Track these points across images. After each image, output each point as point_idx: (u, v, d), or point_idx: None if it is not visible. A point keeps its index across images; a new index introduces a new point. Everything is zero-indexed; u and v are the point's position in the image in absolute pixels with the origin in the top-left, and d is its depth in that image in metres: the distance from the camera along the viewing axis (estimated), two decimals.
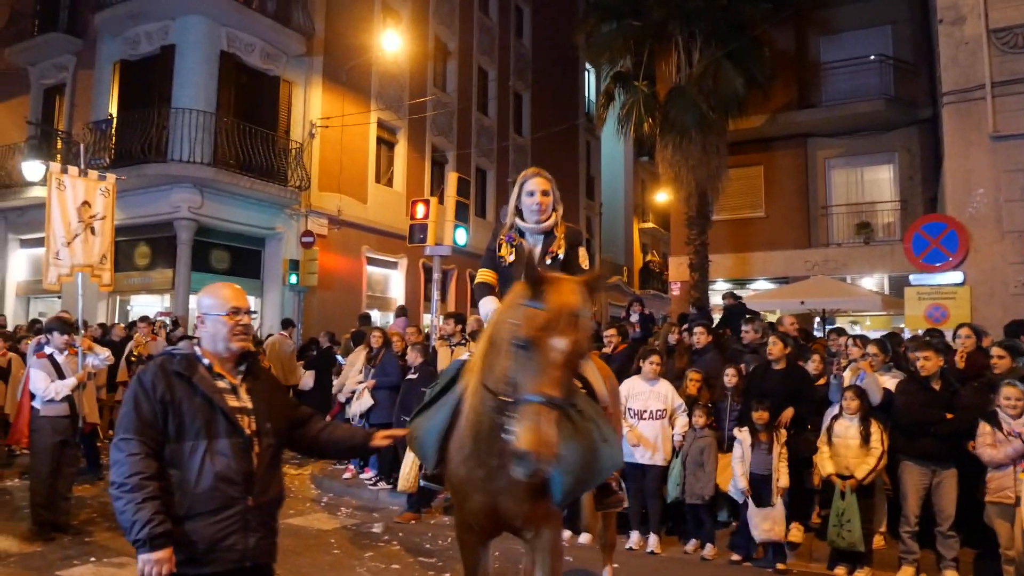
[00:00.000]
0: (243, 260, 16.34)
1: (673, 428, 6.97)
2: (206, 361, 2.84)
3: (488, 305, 3.78)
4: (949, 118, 10.92)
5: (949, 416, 5.95)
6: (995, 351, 6.41)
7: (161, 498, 2.55)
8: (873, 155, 17.20)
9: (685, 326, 9.48)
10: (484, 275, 3.92)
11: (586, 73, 30.38)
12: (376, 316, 17.29)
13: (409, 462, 7.76)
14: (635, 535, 6.99)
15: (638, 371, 7.17)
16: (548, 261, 3.81)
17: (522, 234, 3.89)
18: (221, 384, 2.82)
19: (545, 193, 3.85)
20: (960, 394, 6.12)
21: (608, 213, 31.53)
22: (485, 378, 3.02)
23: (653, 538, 6.90)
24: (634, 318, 11.89)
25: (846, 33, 17.25)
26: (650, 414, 6.91)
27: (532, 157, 25.08)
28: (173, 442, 2.65)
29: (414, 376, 8.30)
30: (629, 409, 6.90)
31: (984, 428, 5.58)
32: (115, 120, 15.39)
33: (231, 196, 15.30)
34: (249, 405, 2.84)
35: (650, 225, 34.04)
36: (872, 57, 16.88)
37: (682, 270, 16.60)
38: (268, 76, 16.40)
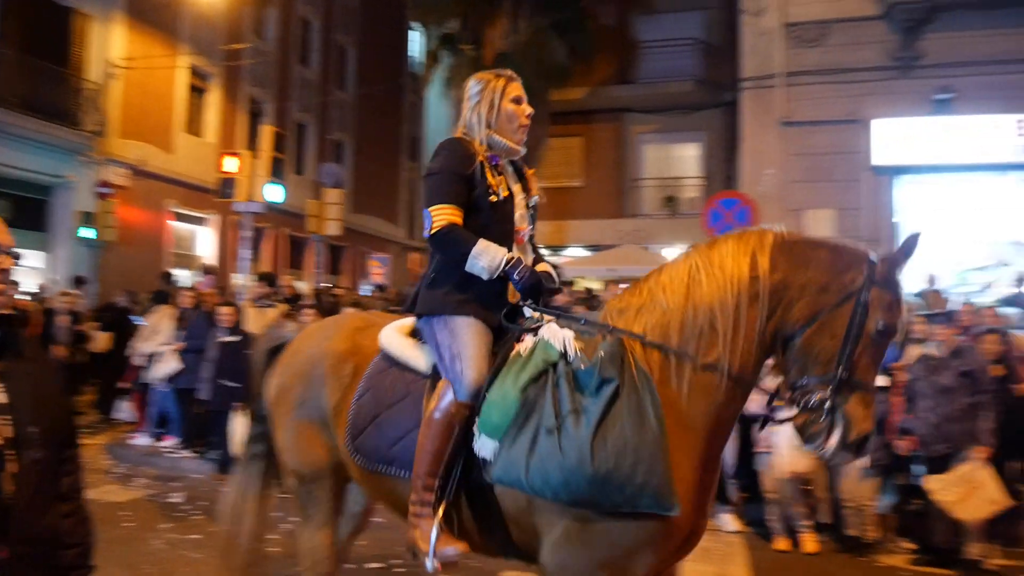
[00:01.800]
0: (26, 211, 14.79)
1: None
2: None
3: (495, 255, 2.65)
4: (746, 102, 11.87)
5: None
6: None
7: None
8: (682, 133, 18.34)
9: None
10: (452, 213, 2.70)
11: (413, 32, 29.93)
12: (183, 275, 16.35)
13: (241, 427, 7.46)
14: None
15: None
16: (531, 207, 3.03)
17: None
18: None
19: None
20: None
21: None
22: (716, 359, 2.45)
23: None
24: None
25: (663, 14, 18.16)
26: None
27: (356, 114, 24.52)
28: None
29: (235, 339, 7.95)
30: None
31: None
32: None
33: (10, 138, 13.77)
34: (3, 400, 1.87)
35: None
36: (685, 40, 17.89)
37: None
38: (58, 6, 14.82)
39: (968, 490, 5.39)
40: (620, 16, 18.40)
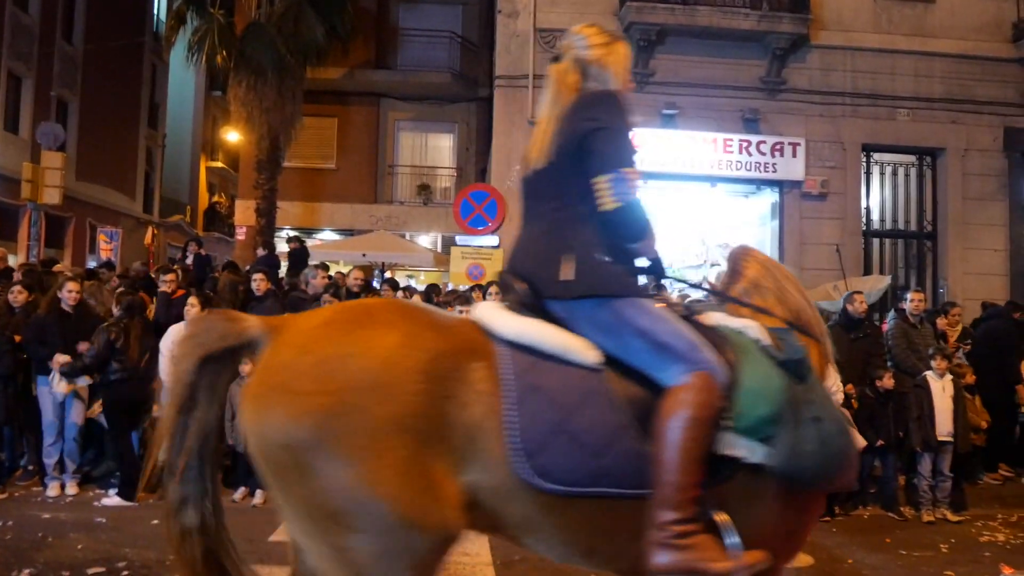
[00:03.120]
0: None
1: None
2: None
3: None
4: (499, 100, 12.29)
5: None
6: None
7: None
8: (437, 123, 18.58)
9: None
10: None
11: None
12: None
13: None
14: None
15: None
16: None
17: None
18: None
19: None
20: None
21: (173, 146, 29.07)
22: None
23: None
24: (190, 260, 11.23)
25: (424, 5, 18.24)
26: None
27: (84, 71, 21.91)
28: None
29: None
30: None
31: None
32: None
33: None
34: None
35: (219, 164, 32.26)
36: (444, 32, 18.10)
37: (249, 214, 16.14)
38: None
39: None
40: (380, 1, 18.19)
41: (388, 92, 18.05)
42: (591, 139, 2.32)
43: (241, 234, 17.25)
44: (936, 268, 12.54)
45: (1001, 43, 12.45)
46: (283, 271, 12.11)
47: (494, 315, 2.35)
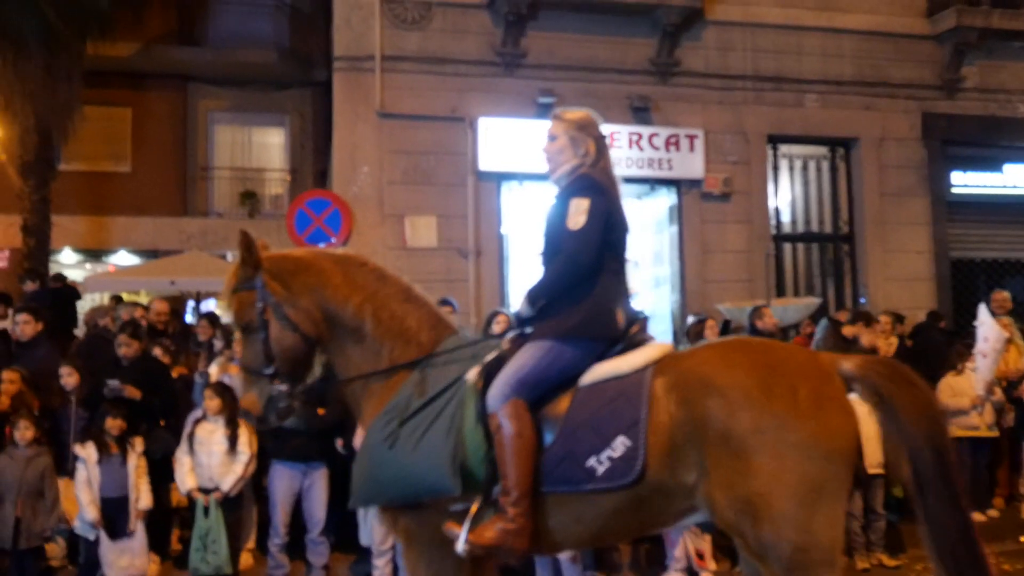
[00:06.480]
0: None
1: None
2: None
3: None
4: (339, 86, 12.09)
5: (321, 411, 6.67)
6: None
7: None
8: (263, 114, 18.18)
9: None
10: None
11: None
12: None
13: None
14: None
15: None
16: None
17: None
18: None
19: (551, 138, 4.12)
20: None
21: None
22: None
23: None
24: None
25: None
26: None
27: None
28: None
29: None
30: None
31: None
32: None
33: None
34: None
35: None
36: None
37: (12, 233, 15.16)
38: None
39: None
40: None
41: (197, 74, 17.53)
42: None
43: (2, 260, 16.24)
44: (855, 274, 13.32)
45: (915, 18, 13.40)
46: None
47: None
